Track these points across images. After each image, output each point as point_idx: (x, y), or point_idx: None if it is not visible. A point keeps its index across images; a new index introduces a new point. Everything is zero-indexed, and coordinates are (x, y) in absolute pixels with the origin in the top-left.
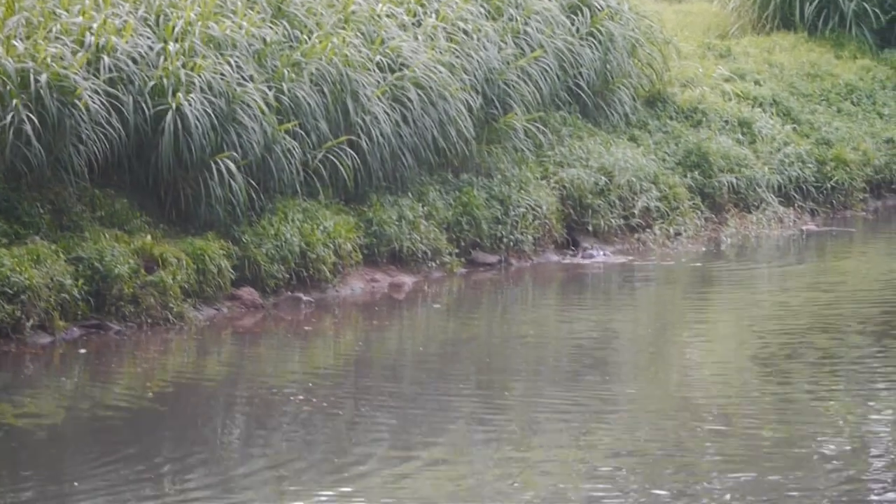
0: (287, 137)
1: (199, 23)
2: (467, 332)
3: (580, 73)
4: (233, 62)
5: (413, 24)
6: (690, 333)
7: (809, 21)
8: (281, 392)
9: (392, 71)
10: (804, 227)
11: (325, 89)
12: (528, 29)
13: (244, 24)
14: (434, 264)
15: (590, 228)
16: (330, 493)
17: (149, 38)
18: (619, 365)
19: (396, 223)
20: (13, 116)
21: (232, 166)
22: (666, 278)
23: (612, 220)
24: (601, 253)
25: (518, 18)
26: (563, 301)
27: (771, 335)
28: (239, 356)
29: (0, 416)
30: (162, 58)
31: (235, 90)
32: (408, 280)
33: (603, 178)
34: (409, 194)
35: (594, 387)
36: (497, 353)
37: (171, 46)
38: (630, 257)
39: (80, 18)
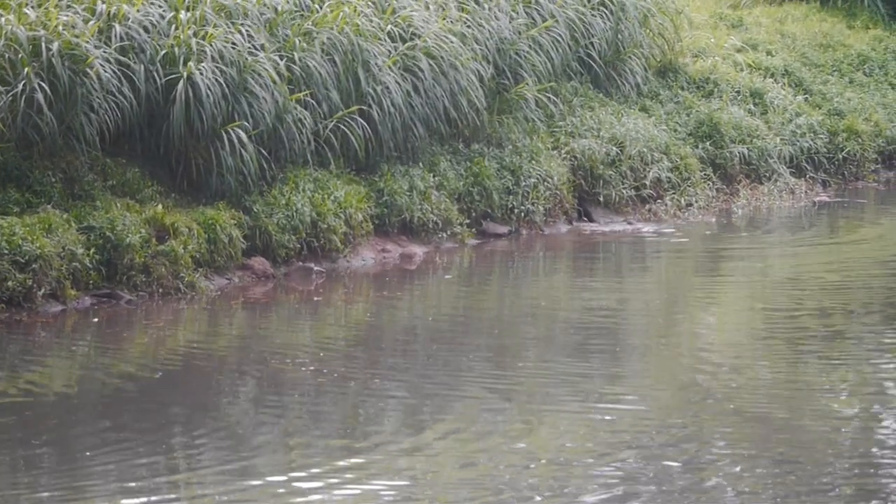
0: (298, 107)
1: None
2: (478, 302)
3: (591, 44)
4: (244, 31)
5: None
6: (702, 304)
7: None
8: (292, 362)
9: (403, 41)
10: (816, 199)
11: (337, 59)
12: None
13: None
14: (445, 235)
15: (601, 199)
16: (341, 463)
17: (160, 6)
18: (630, 335)
19: (407, 193)
20: (25, 85)
21: (243, 136)
22: (679, 249)
23: (624, 191)
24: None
25: None
26: (574, 271)
27: (781, 308)
28: (250, 326)
29: (12, 384)
30: (173, 26)
31: (247, 59)
32: (419, 250)
33: (614, 148)
34: (420, 164)
35: (605, 357)
36: (508, 324)
37: (183, 15)
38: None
39: None
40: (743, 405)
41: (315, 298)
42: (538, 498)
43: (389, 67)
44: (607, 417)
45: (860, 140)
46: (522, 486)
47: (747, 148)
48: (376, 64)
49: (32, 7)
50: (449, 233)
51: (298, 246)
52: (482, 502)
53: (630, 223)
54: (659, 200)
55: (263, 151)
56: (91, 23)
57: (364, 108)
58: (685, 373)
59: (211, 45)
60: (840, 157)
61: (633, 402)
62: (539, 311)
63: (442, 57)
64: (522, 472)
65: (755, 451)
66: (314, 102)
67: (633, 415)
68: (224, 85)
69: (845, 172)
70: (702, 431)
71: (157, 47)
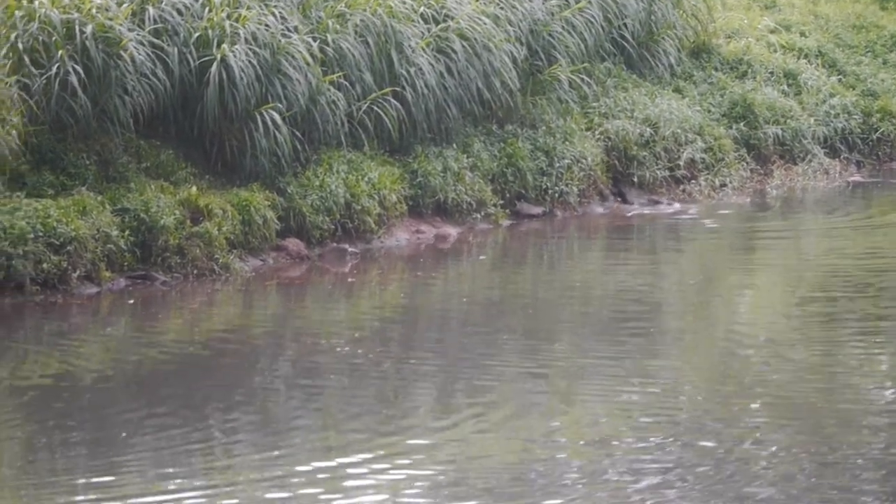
0: (331, 89)
1: None
2: (513, 283)
3: (625, 25)
4: (277, 13)
5: None
6: (736, 286)
7: None
8: (327, 343)
9: (436, 22)
10: (850, 179)
11: (370, 41)
12: None
13: None
14: (479, 216)
15: (635, 180)
16: (376, 443)
17: None
18: (664, 316)
19: (441, 175)
20: (59, 67)
21: (277, 117)
22: (713, 230)
23: (658, 172)
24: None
25: None
26: (608, 252)
27: (816, 290)
28: (284, 307)
29: (47, 366)
30: (206, 9)
31: (280, 41)
32: (453, 231)
33: (648, 129)
34: (454, 146)
35: (640, 338)
36: (543, 305)
37: None
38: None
39: None
40: (778, 387)
41: (349, 279)
42: (574, 479)
43: (423, 49)
44: (642, 399)
45: (894, 120)
46: (559, 468)
47: (781, 129)
48: (409, 46)
49: None
50: (483, 214)
51: (332, 227)
52: (519, 484)
53: (664, 204)
54: (693, 181)
55: (297, 133)
56: (125, 5)
57: (397, 89)
58: (720, 355)
59: (244, 28)
60: (874, 137)
61: (667, 384)
62: (574, 292)
63: (475, 38)
64: (559, 453)
65: (790, 432)
66: (347, 84)
67: (668, 396)
68: (257, 67)
69: (879, 153)
70: (737, 413)
71: (191, 30)
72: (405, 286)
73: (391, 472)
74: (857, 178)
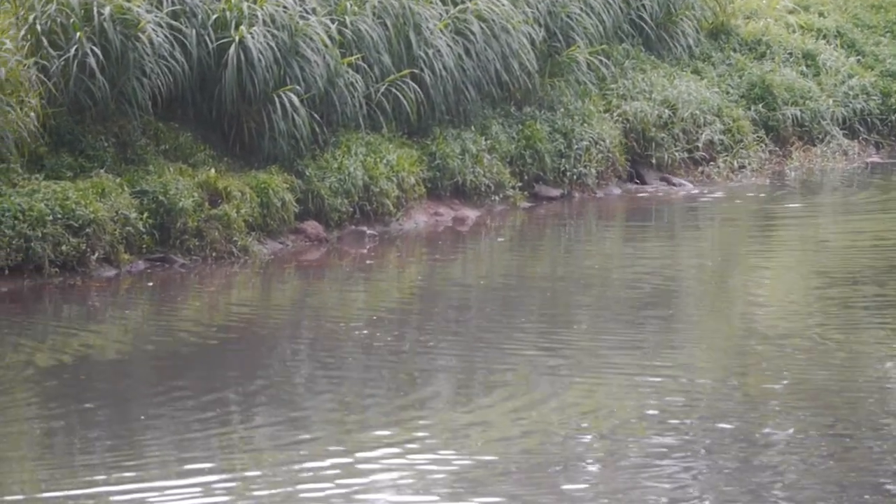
0: (350, 71)
1: None
2: (531, 265)
3: (643, 6)
4: None
5: None
6: (755, 269)
7: None
8: (346, 326)
9: (454, 4)
10: (868, 160)
11: (388, 22)
12: None
13: None
14: (497, 198)
15: (653, 161)
16: (395, 427)
17: None
18: (683, 299)
19: (459, 157)
20: (77, 49)
21: (295, 100)
22: (731, 211)
23: (676, 154)
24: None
25: None
26: (626, 234)
27: (834, 272)
28: (303, 290)
29: (66, 348)
30: None
31: (298, 23)
32: (471, 214)
33: (666, 110)
34: (472, 128)
35: (658, 321)
36: (561, 287)
37: None
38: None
39: None
40: (797, 370)
41: (368, 262)
42: (595, 463)
43: (441, 31)
44: (662, 382)
45: None
46: (579, 453)
47: (800, 110)
48: (427, 27)
49: None
50: (501, 196)
51: (351, 209)
52: (539, 469)
53: (682, 185)
54: (711, 163)
55: (315, 115)
56: None
57: (416, 71)
58: (739, 338)
59: (262, 9)
60: (893, 118)
61: (686, 368)
62: (592, 274)
63: (493, 20)
64: (579, 438)
65: (810, 415)
66: (366, 66)
67: (687, 379)
68: (275, 49)
69: None
70: (755, 397)
71: (209, 11)
72: (423, 269)
73: (410, 456)
74: (875, 159)
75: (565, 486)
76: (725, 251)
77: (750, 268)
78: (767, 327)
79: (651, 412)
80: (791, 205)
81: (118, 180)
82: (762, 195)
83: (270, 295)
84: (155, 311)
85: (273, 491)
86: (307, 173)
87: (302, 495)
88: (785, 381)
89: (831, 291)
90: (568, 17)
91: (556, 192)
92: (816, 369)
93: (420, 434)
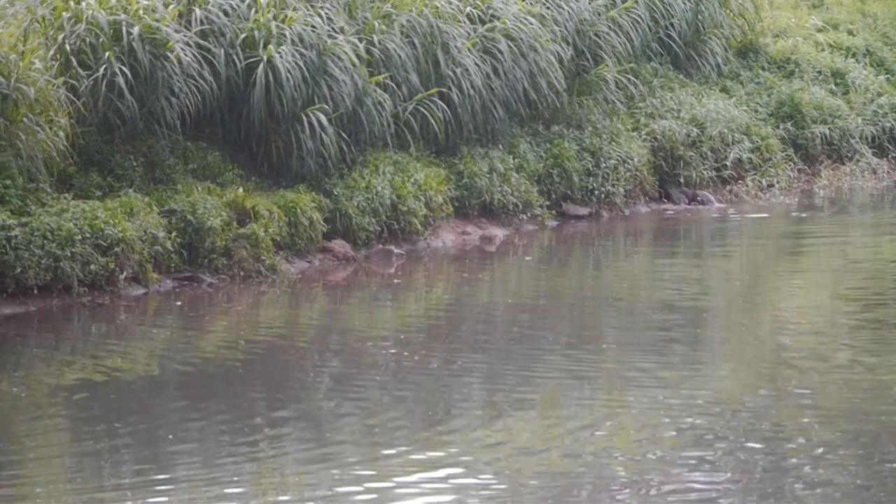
0: (378, 90)
1: None
2: (559, 285)
3: (671, 24)
4: (323, 14)
5: None
6: (783, 289)
7: None
8: (374, 345)
9: (482, 22)
10: None
11: (416, 41)
12: None
13: None
14: (525, 217)
15: (681, 180)
16: (422, 447)
17: None
18: (710, 320)
19: (487, 175)
20: (106, 69)
21: (323, 119)
22: (760, 231)
23: (704, 172)
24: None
25: None
26: (655, 254)
27: (863, 293)
28: (331, 309)
29: (96, 368)
30: (253, 10)
31: (326, 42)
32: (499, 233)
33: (695, 129)
34: (500, 146)
35: (686, 341)
36: (589, 307)
37: None
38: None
39: None
40: (825, 393)
41: (395, 281)
42: (623, 486)
43: (469, 49)
44: (689, 403)
45: None
46: (607, 474)
47: (829, 128)
48: (455, 46)
49: None
50: (529, 215)
51: (378, 228)
52: (567, 491)
53: (711, 204)
54: (740, 181)
55: (343, 134)
56: (171, 6)
57: (443, 90)
58: (767, 360)
59: (291, 29)
60: None
61: (713, 389)
62: (620, 294)
63: (521, 39)
64: (606, 460)
65: (839, 437)
66: (393, 85)
67: (714, 401)
68: (303, 68)
69: None
70: (784, 419)
71: (237, 31)
72: (451, 288)
73: (437, 476)
74: None
75: None
76: (754, 271)
77: (778, 288)
78: (796, 349)
79: (679, 433)
80: (820, 224)
81: (147, 199)
82: (791, 214)
83: (298, 314)
84: (183, 330)
85: None
86: (335, 192)
87: None
88: (815, 404)
89: (861, 312)
90: (596, 35)
91: (583, 211)
92: (845, 391)
93: (447, 453)
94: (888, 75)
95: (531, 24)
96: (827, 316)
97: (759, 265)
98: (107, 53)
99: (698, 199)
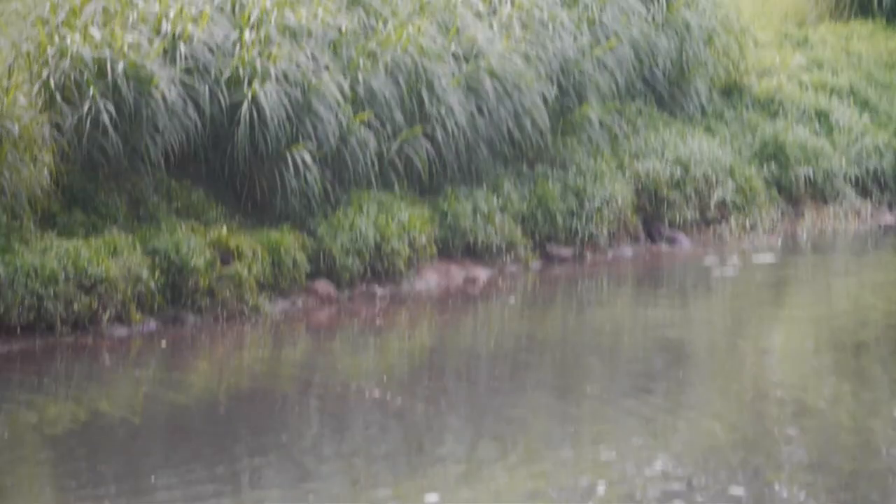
0: (363, 128)
1: (275, 11)
2: (542, 328)
3: (656, 63)
4: (308, 51)
5: (488, 12)
6: (766, 333)
7: (888, 8)
8: (357, 388)
9: (467, 60)
10: (882, 223)
11: (401, 79)
12: (604, 17)
13: (320, 11)
14: (509, 258)
15: (665, 221)
16: (404, 491)
17: (224, 26)
18: (695, 364)
19: (471, 216)
20: (90, 106)
21: (307, 157)
22: (743, 274)
23: (688, 213)
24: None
25: (594, 6)
26: (638, 296)
27: (847, 338)
28: (314, 351)
29: (78, 410)
30: (237, 46)
31: (311, 80)
32: (482, 273)
33: (679, 168)
34: (484, 186)
35: (670, 386)
36: (572, 351)
37: (247, 35)
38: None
39: (157, 6)
40: (809, 443)
41: (378, 322)
42: None
43: (453, 88)
44: (671, 449)
45: None
46: None
47: (812, 169)
48: (440, 85)
49: (98, 26)
50: (512, 255)
51: (362, 269)
52: None
53: (694, 245)
54: (724, 221)
55: (327, 173)
56: (156, 42)
57: (428, 128)
58: (750, 408)
59: (275, 66)
60: None
61: (697, 435)
62: (602, 340)
63: (506, 77)
64: (586, 499)
65: (822, 493)
66: (378, 124)
67: (694, 451)
68: (288, 106)
69: None
70: (766, 467)
71: (221, 68)
72: (434, 330)
73: None
74: (889, 219)
75: None
76: (737, 315)
77: (761, 333)
78: (778, 397)
79: (661, 479)
80: (803, 268)
81: (130, 238)
82: (774, 257)
83: (281, 356)
84: (166, 372)
85: None
86: (319, 232)
87: None
88: (797, 453)
89: (845, 359)
90: (580, 73)
91: (567, 252)
92: (829, 447)
93: (429, 499)
94: (872, 115)
95: (516, 63)
96: (809, 366)
97: (741, 310)
98: (91, 90)
99: (680, 240)
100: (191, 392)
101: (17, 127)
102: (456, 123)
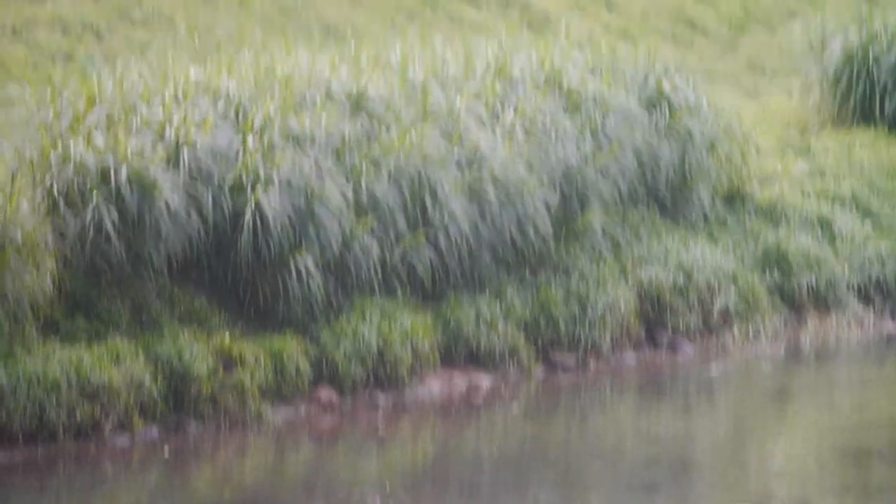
0: (366, 234)
1: (279, 117)
2: (545, 439)
3: (659, 170)
4: (311, 158)
5: (491, 119)
6: (771, 447)
7: (890, 117)
8: (360, 497)
9: (470, 167)
10: (885, 332)
11: (404, 185)
12: (607, 125)
13: (323, 118)
14: (512, 365)
15: (668, 328)
16: None
17: (228, 132)
18: (696, 479)
19: (474, 322)
20: (94, 212)
21: (310, 264)
22: (747, 382)
23: (691, 320)
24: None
25: (596, 114)
26: (641, 408)
27: (850, 454)
28: (316, 460)
29: None
30: (241, 153)
31: (314, 187)
32: (485, 381)
33: (682, 275)
34: (487, 292)
35: (674, 500)
36: (575, 465)
37: (251, 141)
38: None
39: (161, 112)
40: None
41: (382, 432)
42: None
43: (456, 194)
44: None
45: None
46: None
47: (815, 276)
48: (443, 191)
49: (101, 131)
50: (515, 362)
51: (365, 375)
52: None
53: (697, 354)
54: (726, 329)
55: (330, 279)
56: (159, 149)
57: (430, 234)
58: None
59: (278, 172)
60: None
61: None
62: (605, 449)
63: (509, 184)
64: None
65: None
66: (381, 229)
67: None
68: (291, 212)
69: None
70: None
71: (225, 174)
72: (437, 439)
73: None
74: (891, 327)
75: None
76: (740, 426)
77: (766, 446)
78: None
79: None
80: (805, 379)
81: (133, 345)
82: (777, 366)
83: (284, 466)
84: (168, 484)
85: None
86: (322, 338)
87: None
88: None
89: (849, 472)
90: (583, 179)
91: (570, 359)
92: None
93: None
94: (874, 223)
95: (519, 169)
96: (815, 479)
97: (743, 421)
98: (94, 196)
99: (683, 347)
100: (193, 502)
101: (20, 233)
102: (459, 229)
